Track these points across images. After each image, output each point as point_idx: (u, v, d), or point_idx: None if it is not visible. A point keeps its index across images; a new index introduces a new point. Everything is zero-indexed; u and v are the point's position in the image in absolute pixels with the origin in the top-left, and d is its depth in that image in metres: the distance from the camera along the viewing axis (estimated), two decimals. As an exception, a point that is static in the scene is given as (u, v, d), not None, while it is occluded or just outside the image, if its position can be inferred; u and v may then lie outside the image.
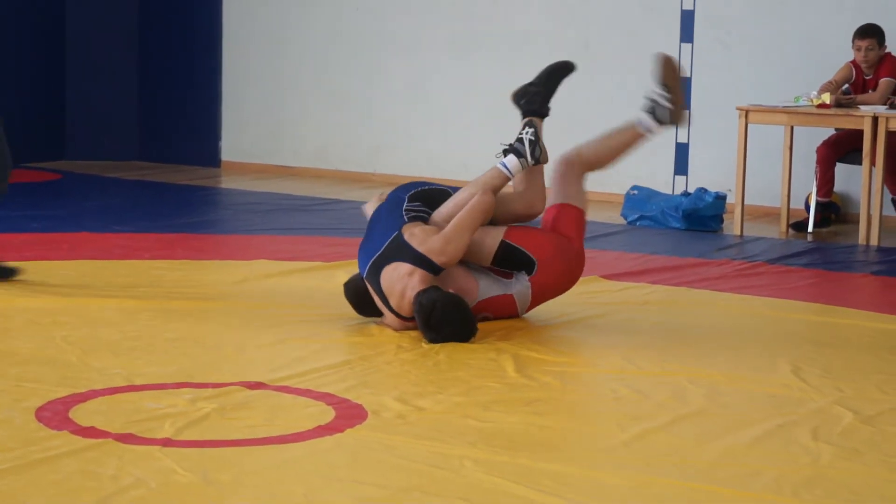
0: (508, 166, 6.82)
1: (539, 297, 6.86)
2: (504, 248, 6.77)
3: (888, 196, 9.92)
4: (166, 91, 12.16)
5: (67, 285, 7.65)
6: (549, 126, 10.27)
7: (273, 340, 6.57)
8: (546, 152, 6.88)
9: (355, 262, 6.96)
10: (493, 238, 6.79)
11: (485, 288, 6.77)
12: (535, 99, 6.96)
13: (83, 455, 4.80)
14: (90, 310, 7.10)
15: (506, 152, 6.86)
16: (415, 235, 6.52)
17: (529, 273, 6.80)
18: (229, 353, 6.45)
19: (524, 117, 6.98)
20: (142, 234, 8.89)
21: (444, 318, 6.39)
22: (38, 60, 12.40)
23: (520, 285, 6.81)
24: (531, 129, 6.89)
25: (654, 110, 6.86)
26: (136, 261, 8.27)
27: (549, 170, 7.01)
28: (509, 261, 6.79)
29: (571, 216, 6.91)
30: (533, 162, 6.85)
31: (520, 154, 6.81)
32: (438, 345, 6.45)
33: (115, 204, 9.30)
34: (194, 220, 9.97)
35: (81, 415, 5.25)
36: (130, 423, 5.16)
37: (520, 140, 6.87)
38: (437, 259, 6.46)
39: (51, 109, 12.58)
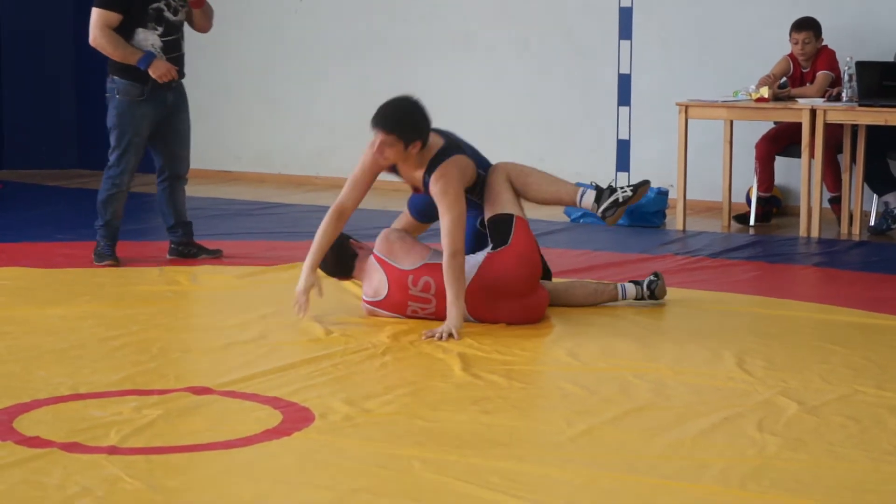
0: (583, 196, 6.93)
1: (481, 278, 6.78)
2: (506, 217, 6.87)
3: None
4: (104, 98, 12.08)
5: (9, 294, 7.62)
6: (491, 122, 10.30)
7: (218, 345, 6.57)
8: (614, 221, 6.99)
9: (300, 264, 6.96)
10: (512, 206, 6.90)
11: (433, 256, 6.84)
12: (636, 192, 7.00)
13: (28, 465, 4.78)
14: (33, 318, 7.07)
15: (598, 188, 6.93)
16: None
17: (495, 248, 6.84)
18: (174, 358, 6.44)
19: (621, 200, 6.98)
20: (83, 242, 8.83)
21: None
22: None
23: (472, 258, 6.83)
24: (628, 195, 6.91)
25: (603, 197, 6.94)
26: (78, 269, 8.22)
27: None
28: (498, 225, 6.87)
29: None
30: (599, 213, 6.93)
31: (600, 199, 6.89)
32: (383, 344, 6.46)
33: (56, 212, 9.26)
34: (136, 227, 9.90)
35: (25, 424, 5.22)
36: (75, 431, 5.14)
37: (613, 190, 6.92)
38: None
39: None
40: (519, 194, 7.01)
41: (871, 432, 5.24)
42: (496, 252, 6.83)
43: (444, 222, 6.71)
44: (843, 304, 7.49)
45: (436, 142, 6.92)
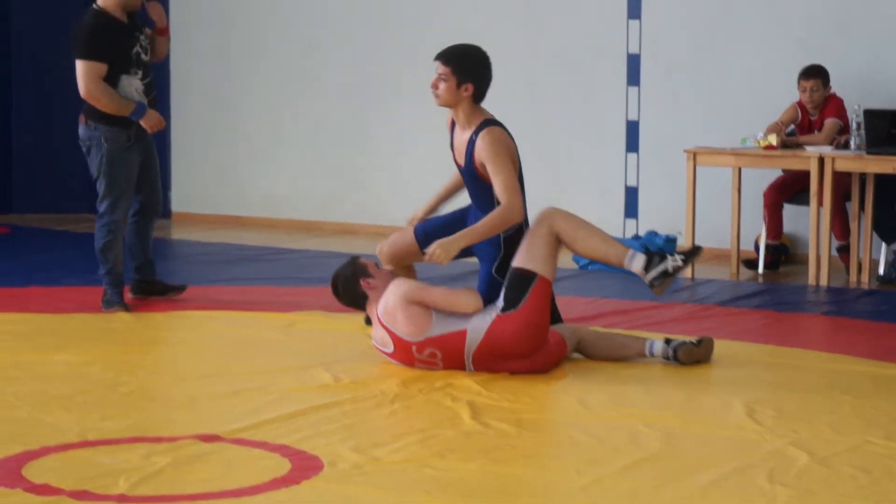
0: (632, 260, 6.74)
1: (488, 343, 6.74)
2: (529, 276, 6.73)
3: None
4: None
5: (17, 339, 7.61)
6: None
7: (227, 392, 6.54)
8: (661, 292, 6.82)
9: (308, 312, 6.97)
10: (542, 265, 6.75)
11: (438, 323, 6.76)
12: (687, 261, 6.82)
13: (38, 513, 4.79)
14: (41, 364, 7.06)
15: (648, 252, 6.77)
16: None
17: (504, 309, 6.72)
18: (183, 405, 6.42)
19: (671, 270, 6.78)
20: (92, 287, 8.83)
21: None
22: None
23: (480, 320, 6.74)
24: (678, 265, 6.74)
25: (652, 264, 6.73)
26: (86, 314, 8.22)
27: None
28: (517, 281, 6.72)
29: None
30: (646, 281, 6.77)
31: (648, 266, 6.72)
32: (392, 392, 6.46)
33: (65, 257, 9.26)
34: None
35: (35, 472, 5.21)
36: (84, 479, 5.13)
37: (664, 257, 6.74)
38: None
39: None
40: (565, 244, 6.85)
41: (882, 483, 5.23)
42: (505, 316, 6.70)
43: (497, 184, 6.92)
44: (853, 353, 7.48)
45: (488, 114, 7.11)
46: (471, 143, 7.03)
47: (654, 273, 6.69)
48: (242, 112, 12.23)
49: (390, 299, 6.69)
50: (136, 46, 8.25)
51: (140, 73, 8.27)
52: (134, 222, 8.56)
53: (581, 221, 6.80)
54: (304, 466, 5.32)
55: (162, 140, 12.32)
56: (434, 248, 6.87)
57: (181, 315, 8.43)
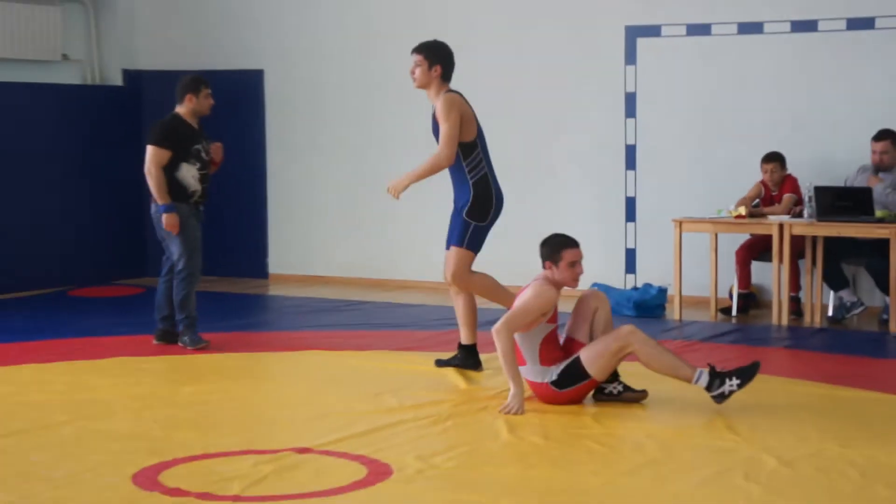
0: (699, 381, 6.46)
1: (533, 389, 6.62)
2: (585, 376, 6.51)
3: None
4: (223, 216, 12.19)
5: (153, 376, 7.66)
6: (523, 233, 10.16)
7: (316, 414, 6.57)
8: (721, 403, 6.51)
9: (377, 351, 6.97)
10: (601, 373, 6.51)
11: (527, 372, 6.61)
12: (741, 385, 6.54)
13: (171, 511, 4.82)
14: (171, 395, 7.11)
15: (711, 375, 6.47)
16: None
17: (554, 384, 6.52)
18: (282, 424, 6.46)
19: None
20: (210, 333, 8.87)
21: None
22: (121, 189, 12.38)
23: (536, 374, 6.57)
24: (734, 389, 6.47)
25: (715, 385, 6.46)
26: (205, 355, 8.25)
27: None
28: (575, 372, 6.50)
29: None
30: (711, 396, 6.47)
31: (712, 387, 6.46)
32: (447, 412, 6.47)
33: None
34: (249, 321, 9.99)
35: (168, 478, 5.25)
36: (207, 483, 5.17)
37: (723, 382, 6.47)
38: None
39: (133, 233, 12.53)
40: (640, 361, 6.53)
41: (837, 482, 5.21)
42: (552, 389, 6.53)
43: (440, 133, 7.15)
44: (810, 378, 7.45)
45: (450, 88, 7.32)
46: (435, 108, 7.25)
47: (715, 393, 6.46)
48: (325, 191, 12.24)
49: None
50: (197, 144, 8.32)
51: (198, 164, 8.32)
52: (167, 280, 8.56)
53: (654, 344, 6.49)
54: (378, 472, 5.34)
55: (260, 214, 12.43)
56: (388, 186, 7.33)
57: (279, 355, 8.46)
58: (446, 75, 7.33)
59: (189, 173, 8.29)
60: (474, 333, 7.54)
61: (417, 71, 7.30)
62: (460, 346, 7.56)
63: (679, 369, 6.51)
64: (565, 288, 6.69)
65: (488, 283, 7.47)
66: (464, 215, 7.29)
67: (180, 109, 8.36)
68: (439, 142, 7.17)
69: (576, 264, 6.55)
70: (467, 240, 7.27)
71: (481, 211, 7.28)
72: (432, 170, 7.23)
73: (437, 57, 7.31)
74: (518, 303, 6.54)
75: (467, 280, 7.38)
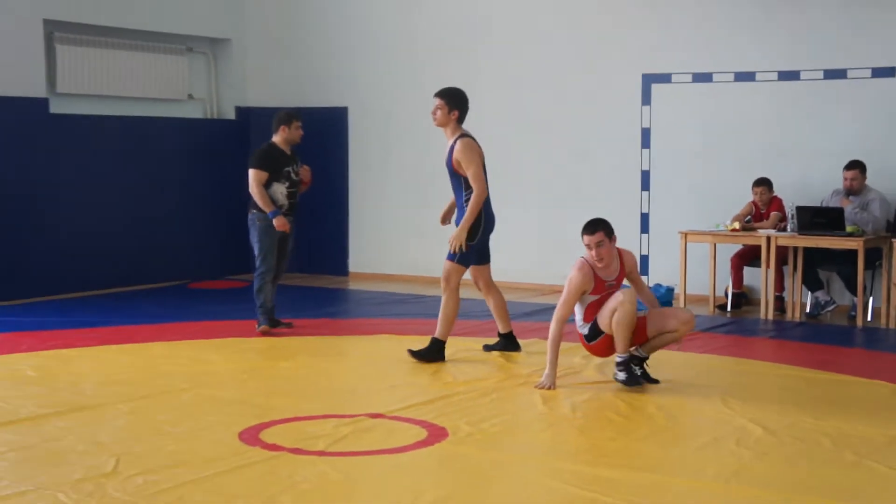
0: (620, 359, 6.38)
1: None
2: (601, 331, 6.42)
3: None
4: (313, 225, 12.22)
5: (256, 354, 7.70)
6: (551, 244, 10.12)
7: (387, 386, 6.60)
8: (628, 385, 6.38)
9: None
10: (609, 329, 6.37)
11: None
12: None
13: (269, 462, 4.85)
14: (271, 369, 7.16)
15: (631, 356, 6.40)
16: None
17: (586, 337, 6.46)
18: (359, 394, 6.48)
19: None
20: (301, 319, 8.93)
21: None
22: (231, 202, 12.47)
23: (581, 327, 6.52)
24: (620, 378, 6.39)
25: (620, 368, 6.41)
26: (299, 337, 8.28)
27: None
28: (595, 331, 6.41)
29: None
30: (616, 371, 6.41)
31: (619, 368, 6.39)
32: (492, 386, 6.46)
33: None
34: (332, 310, 10.03)
35: (267, 436, 5.30)
36: (298, 440, 5.21)
37: (629, 366, 6.40)
38: None
39: (241, 236, 12.58)
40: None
41: (812, 448, 5.17)
42: (584, 341, 6.53)
43: (469, 175, 7.02)
44: (791, 363, 7.38)
45: (465, 131, 7.19)
46: (451, 149, 7.10)
47: (619, 372, 6.42)
48: (395, 205, 12.26)
49: None
50: (288, 167, 8.30)
51: (287, 183, 8.28)
52: (270, 282, 8.47)
53: (629, 320, 6.27)
54: (436, 434, 5.35)
55: (343, 223, 12.48)
56: (451, 241, 7.09)
57: (357, 338, 8.48)
58: (461, 118, 7.21)
59: (279, 190, 8.26)
60: (508, 323, 7.54)
61: (438, 113, 7.18)
62: (500, 335, 7.55)
63: (620, 343, 6.35)
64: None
65: (455, 306, 7.27)
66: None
67: (276, 138, 8.38)
68: (471, 182, 7.03)
69: (590, 248, 6.36)
70: (459, 256, 7.15)
71: (472, 232, 7.14)
72: (476, 208, 7.08)
73: (455, 103, 7.19)
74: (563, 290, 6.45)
75: (453, 289, 7.23)
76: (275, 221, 8.21)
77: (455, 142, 7.14)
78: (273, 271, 8.43)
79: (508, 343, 7.53)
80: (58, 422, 5.57)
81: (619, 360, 6.43)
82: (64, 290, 10.71)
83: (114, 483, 4.51)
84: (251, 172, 8.26)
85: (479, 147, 7.20)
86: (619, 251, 6.50)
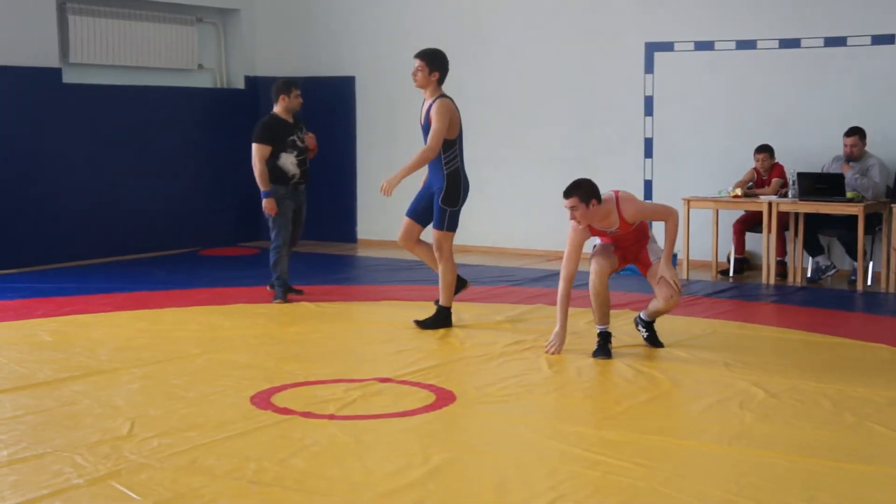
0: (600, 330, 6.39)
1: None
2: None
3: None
4: (321, 193, 12.17)
5: (267, 319, 7.67)
6: (550, 209, 10.10)
7: (394, 350, 6.59)
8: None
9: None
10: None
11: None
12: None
13: (281, 425, 4.85)
14: (281, 334, 7.14)
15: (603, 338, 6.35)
16: None
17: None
18: (367, 359, 6.47)
19: None
20: (310, 286, 8.93)
21: None
22: (241, 170, 12.42)
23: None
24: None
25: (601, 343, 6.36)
26: (307, 303, 8.26)
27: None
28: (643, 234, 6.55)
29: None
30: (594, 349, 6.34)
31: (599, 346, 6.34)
32: (498, 351, 6.45)
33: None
34: (341, 277, 10.02)
35: (279, 400, 5.30)
36: (308, 404, 5.21)
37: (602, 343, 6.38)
38: None
39: (251, 204, 12.56)
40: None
41: (812, 410, 5.16)
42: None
43: (431, 131, 6.86)
44: (791, 327, 7.36)
45: (443, 92, 7.02)
46: (429, 108, 6.95)
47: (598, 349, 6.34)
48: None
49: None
50: (293, 136, 8.14)
51: (295, 152, 8.14)
52: (286, 252, 8.34)
53: (594, 295, 6.35)
54: (444, 398, 5.35)
55: (351, 191, 12.45)
56: (382, 184, 6.99)
57: (366, 304, 8.48)
58: (441, 80, 7.05)
59: (288, 160, 8.12)
60: (448, 298, 7.27)
61: (419, 74, 7.03)
62: (439, 307, 7.30)
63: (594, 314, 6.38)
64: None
65: (452, 272, 7.24)
66: (440, 203, 7.10)
67: (276, 108, 8.25)
68: (428, 137, 6.92)
69: (568, 210, 6.23)
70: (447, 224, 7.10)
71: (453, 198, 7.08)
72: (420, 163, 6.96)
73: (435, 64, 7.04)
74: None
75: (447, 257, 7.21)
76: (264, 202, 8.06)
77: (433, 102, 6.97)
78: (288, 244, 8.35)
79: (441, 318, 7.27)
80: (74, 386, 5.58)
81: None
82: (77, 258, 10.71)
83: (129, 445, 4.52)
84: (253, 147, 8.11)
85: (456, 111, 7.05)
86: (618, 201, 6.28)
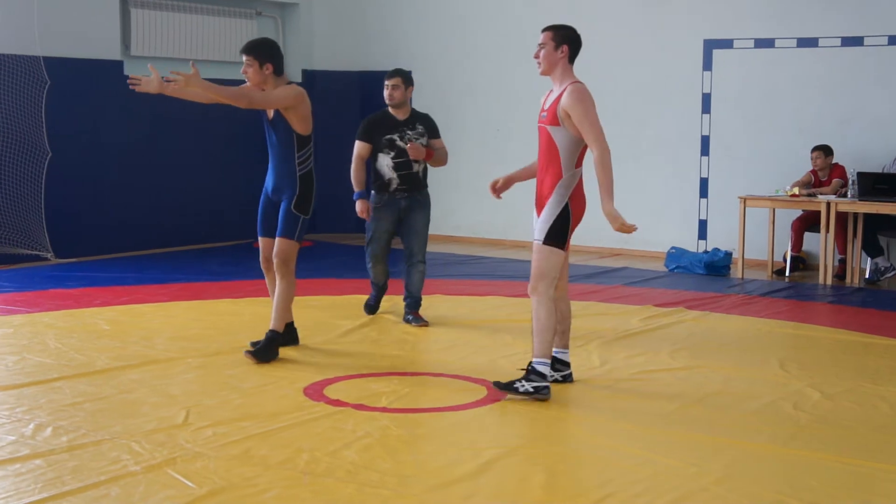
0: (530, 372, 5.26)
1: None
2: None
3: (839, 255, 9.70)
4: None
5: (319, 310, 7.72)
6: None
7: (447, 346, 6.60)
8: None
9: (498, 297, 6.91)
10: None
11: None
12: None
13: (333, 417, 4.88)
14: (333, 326, 7.16)
15: (530, 376, 5.24)
16: None
17: None
18: (420, 352, 6.50)
19: None
20: (361, 280, 8.94)
21: None
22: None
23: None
24: (528, 390, 5.21)
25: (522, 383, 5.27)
26: (360, 296, 8.24)
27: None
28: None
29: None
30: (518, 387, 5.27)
31: (522, 381, 5.25)
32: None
33: (342, 261, 9.32)
34: (394, 271, 10.01)
35: (331, 392, 5.34)
36: (361, 396, 5.24)
37: (520, 381, 5.26)
38: None
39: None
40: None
41: (869, 412, 5.10)
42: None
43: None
44: (849, 328, 7.28)
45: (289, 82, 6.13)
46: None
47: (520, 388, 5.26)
48: (455, 167, 12.20)
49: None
50: (392, 134, 7.13)
51: (392, 153, 7.10)
52: (406, 266, 7.43)
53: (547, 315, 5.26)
54: (496, 392, 5.34)
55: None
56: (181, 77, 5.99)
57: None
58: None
59: (384, 162, 7.13)
60: (283, 321, 6.21)
61: (249, 71, 6.11)
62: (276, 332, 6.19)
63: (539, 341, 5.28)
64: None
65: (293, 286, 6.26)
66: (293, 209, 6.15)
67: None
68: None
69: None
70: (298, 233, 6.15)
71: (306, 204, 6.18)
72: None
73: (264, 56, 6.05)
74: None
75: (291, 269, 6.21)
76: (357, 205, 7.04)
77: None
78: (379, 259, 7.37)
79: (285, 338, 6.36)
80: (131, 374, 5.66)
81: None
82: (136, 248, 10.87)
83: (184, 434, 4.58)
84: (356, 145, 7.18)
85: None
86: (572, 84, 5.30)
